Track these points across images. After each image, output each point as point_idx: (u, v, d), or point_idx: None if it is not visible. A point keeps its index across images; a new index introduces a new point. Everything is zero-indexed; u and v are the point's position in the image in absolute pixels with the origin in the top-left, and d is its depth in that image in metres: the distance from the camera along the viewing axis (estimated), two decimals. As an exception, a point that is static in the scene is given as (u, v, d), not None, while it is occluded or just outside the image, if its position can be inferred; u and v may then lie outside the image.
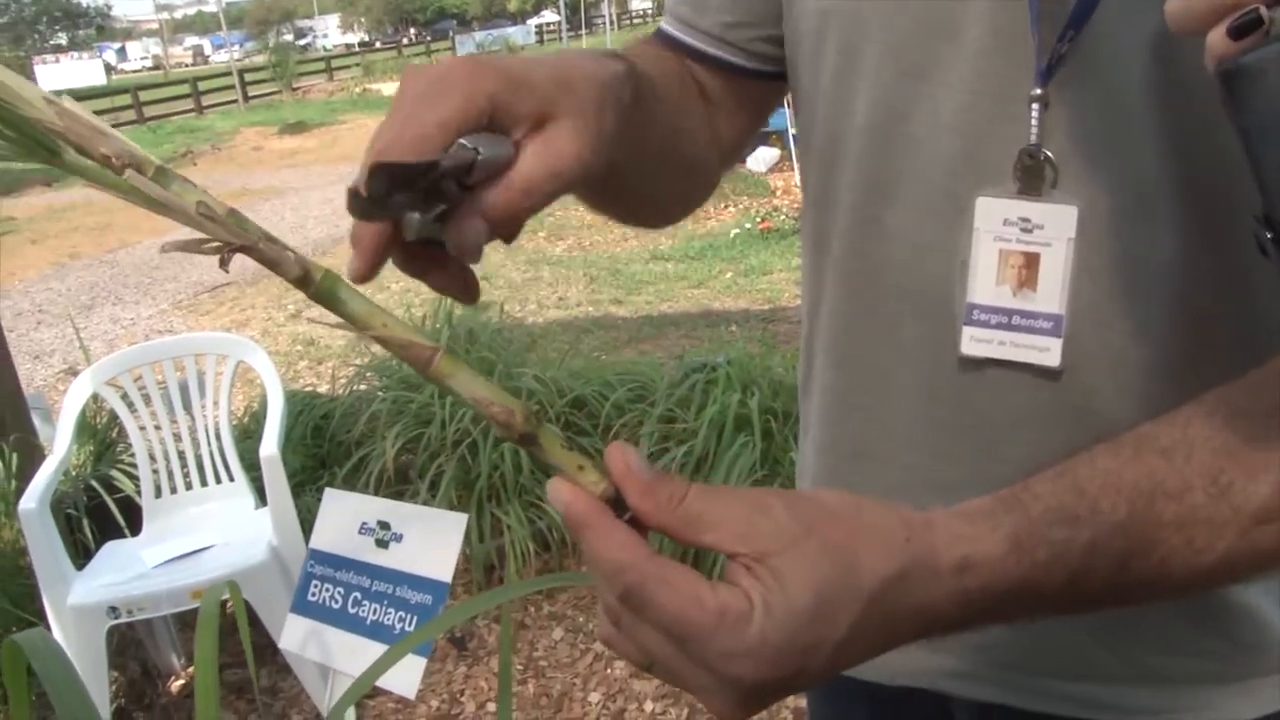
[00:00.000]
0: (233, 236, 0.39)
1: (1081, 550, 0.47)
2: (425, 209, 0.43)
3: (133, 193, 0.37)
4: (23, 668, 0.57)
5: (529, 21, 52.16)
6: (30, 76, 20.07)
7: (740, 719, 0.45)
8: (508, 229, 0.46)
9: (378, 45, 55.92)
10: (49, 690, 0.56)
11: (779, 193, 8.68)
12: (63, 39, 68.24)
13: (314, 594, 1.16)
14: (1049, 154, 0.59)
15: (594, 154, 0.47)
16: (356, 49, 53.94)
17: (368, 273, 0.44)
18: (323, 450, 3.44)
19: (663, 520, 0.45)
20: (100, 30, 74.39)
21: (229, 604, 2.37)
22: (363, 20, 77.08)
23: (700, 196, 0.81)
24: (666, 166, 0.70)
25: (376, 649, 1.05)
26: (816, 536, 0.45)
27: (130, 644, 2.79)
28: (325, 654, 1.16)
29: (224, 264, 0.39)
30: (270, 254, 0.40)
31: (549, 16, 49.88)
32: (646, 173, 0.66)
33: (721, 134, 0.78)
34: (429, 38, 50.60)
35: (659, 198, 0.77)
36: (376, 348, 4.85)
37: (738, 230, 7.51)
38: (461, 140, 0.43)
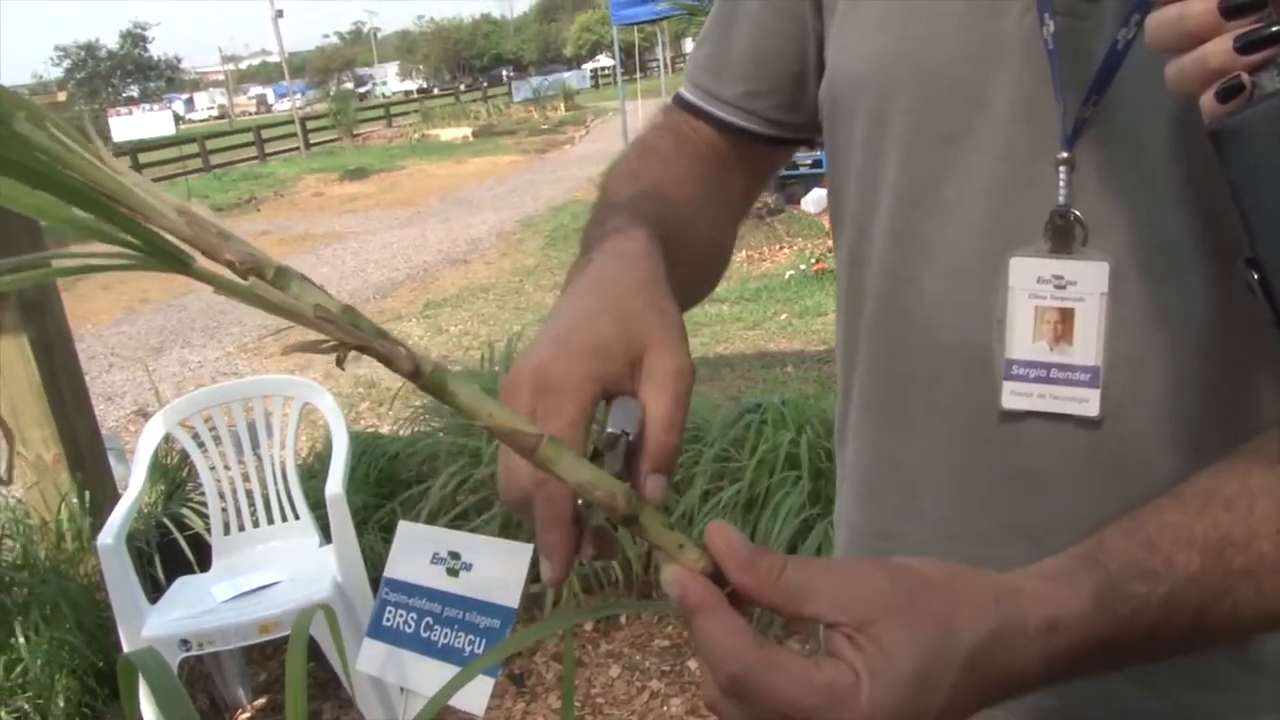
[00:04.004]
0: (348, 336, 0.41)
1: (1160, 603, 0.49)
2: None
3: (255, 298, 0.39)
4: (135, 682, 0.62)
5: (584, 66, 52.88)
6: (105, 127, 20.78)
7: None
8: (672, 464, 0.51)
9: (436, 92, 57.10)
10: (158, 702, 0.61)
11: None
12: (134, 91, 70.60)
13: (388, 619, 1.23)
14: (1078, 214, 0.62)
15: (685, 344, 0.54)
16: (415, 95, 55.15)
17: (563, 577, 0.50)
18: (384, 490, 3.51)
19: (764, 594, 0.46)
20: (170, 82, 76.80)
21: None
22: (421, 68, 78.76)
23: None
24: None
25: (448, 670, 1.12)
26: (917, 604, 0.46)
27: (199, 677, 2.86)
28: (399, 675, 1.22)
29: (340, 363, 0.42)
30: (384, 350, 0.42)
31: (604, 61, 50.55)
32: (688, 281, 0.72)
33: (733, 198, 0.83)
34: (485, 84, 51.53)
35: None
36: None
37: (792, 271, 7.53)
38: (609, 430, 0.49)
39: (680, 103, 0.84)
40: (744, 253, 8.50)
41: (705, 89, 0.81)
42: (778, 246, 8.57)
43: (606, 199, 0.73)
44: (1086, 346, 0.64)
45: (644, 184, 0.74)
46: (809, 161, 9.86)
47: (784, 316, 6.60)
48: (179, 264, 0.39)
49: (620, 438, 0.49)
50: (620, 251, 0.60)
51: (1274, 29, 0.41)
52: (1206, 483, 0.53)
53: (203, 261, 0.40)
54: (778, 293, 7.15)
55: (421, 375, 0.43)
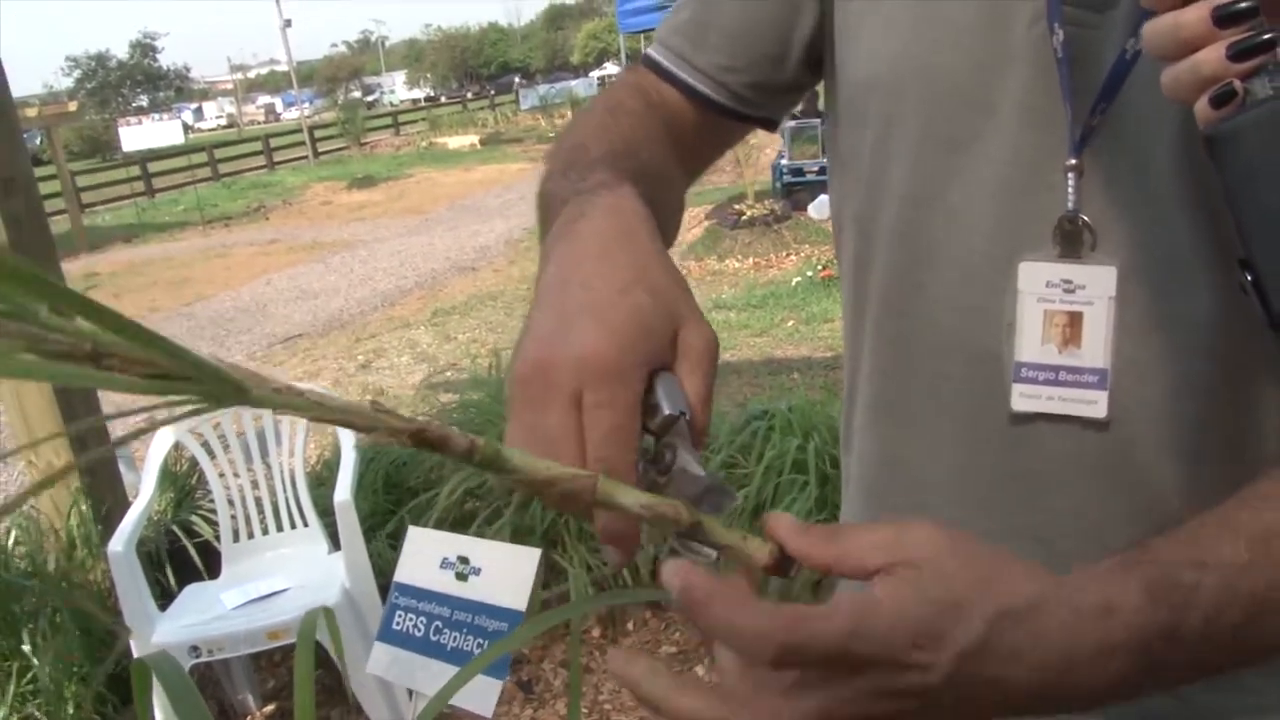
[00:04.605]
0: (405, 426, 0.44)
1: (1213, 590, 0.47)
2: (660, 469, 0.50)
3: (315, 409, 0.42)
4: (149, 685, 0.63)
5: (591, 74, 53.02)
6: (116, 137, 20.83)
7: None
8: (706, 437, 0.52)
9: (443, 100, 57.26)
10: (174, 705, 0.61)
11: (839, 240, 8.67)
12: (144, 101, 70.96)
13: (398, 623, 1.24)
14: (1086, 219, 0.63)
15: (702, 313, 0.54)
16: (422, 104, 55.34)
17: (628, 561, 0.50)
18: (393, 497, 3.52)
19: (824, 556, 0.47)
20: (179, 92, 77.13)
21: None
22: (428, 76, 79.06)
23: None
24: (666, 228, 0.72)
25: (456, 672, 1.13)
26: (961, 550, 0.46)
27: (208, 684, 2.87)
28: (408, 678, 1.24)
29: (405, 445, 0.44)
30: (438, 434, 0.44)
31: (611, 69, 50.66)
32: None
33: (691, 165, 0.82)
34: (493, 91, 51.68)
35: None
36: (444, 397, 4.95)
37: (799, 278, 7.54)
38: (668, 413, 0.49)
39: (649, 64, 0.82)
40: (751, 260, 8.51)
41: (680, 54, 0.80)
42: (785, 253, 8.58)
43: (577, 154, 0.69)
44: (1095, 349, 0.64)
45: (616, 141, 0.71)
46: (815, 169, 9.88)
47: (791, 323, 6.61)
48: (240, 392, 0.40)
49: (678, 419, 0.49)
50: (618, 211, 0.56)
51: (1265, 37, 0.42)
52: (1241, 491, 0.52)
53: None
54: (785, 299, 7.16)
55: (476, 450, 0.45)
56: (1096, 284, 0.63)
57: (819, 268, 7.63)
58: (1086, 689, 0.46)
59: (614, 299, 0.50)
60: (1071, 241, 0.63)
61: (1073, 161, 0.63)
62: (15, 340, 0.35)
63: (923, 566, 0.45)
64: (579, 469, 0.47)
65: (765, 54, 0.78)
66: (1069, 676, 0.46)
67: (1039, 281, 0.65)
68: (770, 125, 0.85)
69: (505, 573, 1.17)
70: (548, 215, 0.63)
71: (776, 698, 0.46)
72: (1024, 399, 0.66)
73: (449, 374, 6.18)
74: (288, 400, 0.41)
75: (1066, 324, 0.64)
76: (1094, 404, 0.65)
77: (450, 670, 1.16)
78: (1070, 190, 0.63)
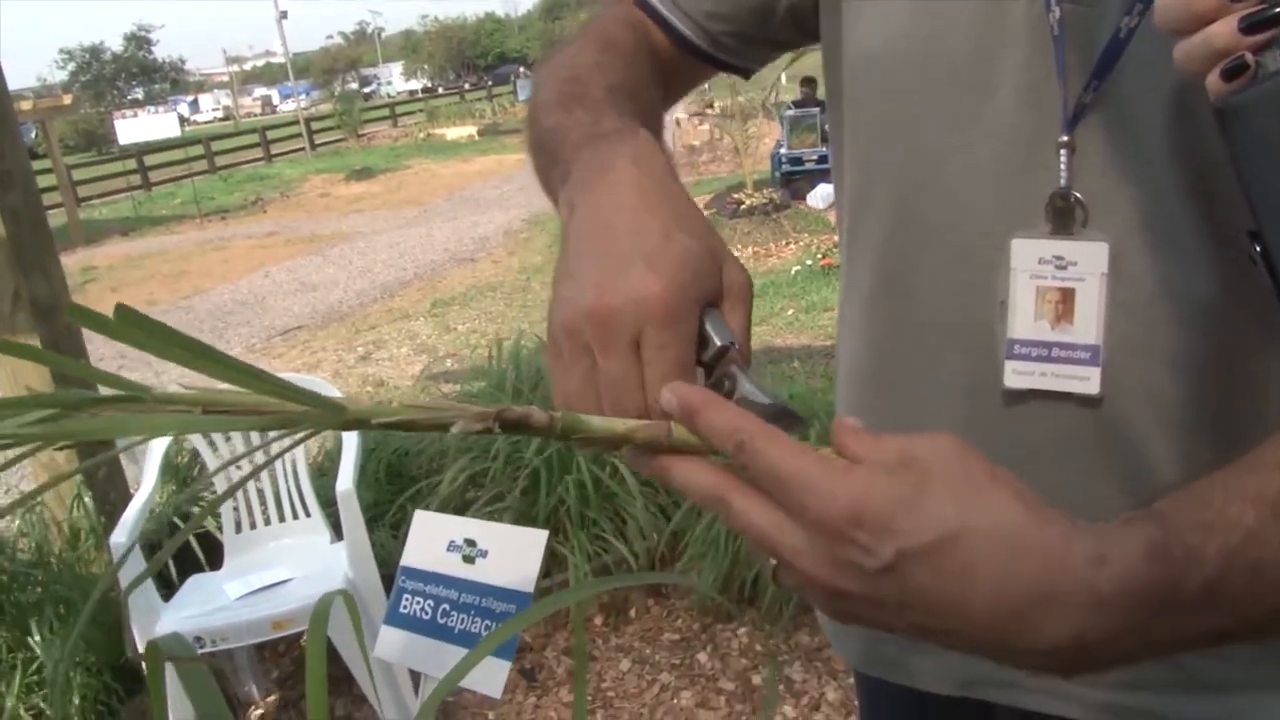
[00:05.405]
0: (489, 411, 0.46)
1: (1217, 555, 0.44)
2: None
3: (407, 413, 0.44)
4: (161, 667, 0.64)
5: (587, 64, 52.63)
6: (111, 130, 20.73)
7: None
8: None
9: (440, 91, 57.07)
10: (185, 686, 0.62)
11: (838, 229, 8.68)
12: (139, 94, 70.75)
13: (405, 607, 1.25)
14: (1078, 195, 0.64)
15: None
16: (420, 95, 55.19)
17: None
18: (395, 486, 3.53)
19: (860, 452, 0.48)
20: (174, 84, 76.91)
21: (303, 637, 2.49)
22: (425, 67, 78.78)
23: None
24: None
25: (464, 655, 1.14)
26: (963, 468, 0.46)
27: (212, 674, 2.88)
28: (416, 661, 1.25)
29: (492, 431, 0.47)
30: (519, 414, 0.47)
31: (607, 59, 50.29)
32: None
33: (667, 104, 0.84)
34: (490, 82, 51.51)
35: None
36: (445, 387, 4.95)
37: (799, 267, 7.54)
38: (720, 344, 0.53)
39: (638, 1, 0.83)
40: (750, 249, 8.51)
41: None
42: (784, 242, 8.58)
43: (577, 88, 0.71)
44: (1087, 325, 0.65)
45: (613, 78, 0.72)
46: (814, 158, 9.87)
47: (791, 312, 6.61)
48: (341, 413, 0.43)
49: (730, 349, 0.52)
50: (644, 159, 0.58)
51: (1277, 10, 0.42)
52: (1251, 454, 0.49)
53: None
54: (784, 288, 7.16)
55: (556, 422, 0.47)
56: (1088, 260, 0.64)
57: (818, 256, 7.63)
58: (1063, 638, 0.44)
59: (663, 244, 0.52)
60: (1063, 218, 0.64)
61: (1065, 138, 0.63)
62: (136, 412, 0.40)
63: (915, 468, 0.45)
64: (650, 423, 0.49)
65: (751, 6, 0.80)
66: (1039, 619, 0.43)
67: (1031, 258, 0.65)
68: (745, 73, 0.87)
69: (512, 555, 1.18)
70: (553, 146, 0.65)
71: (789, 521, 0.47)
72: (1017, 376, 0.67)
73: (449, 364, 6.19)
74: (382, 412, 0.44)
75: (1059, 300, 0.65)
76: (1086, 380, 0.65)
77: (458, 652, 1.18)
78: (1063, 167, 0.63)
